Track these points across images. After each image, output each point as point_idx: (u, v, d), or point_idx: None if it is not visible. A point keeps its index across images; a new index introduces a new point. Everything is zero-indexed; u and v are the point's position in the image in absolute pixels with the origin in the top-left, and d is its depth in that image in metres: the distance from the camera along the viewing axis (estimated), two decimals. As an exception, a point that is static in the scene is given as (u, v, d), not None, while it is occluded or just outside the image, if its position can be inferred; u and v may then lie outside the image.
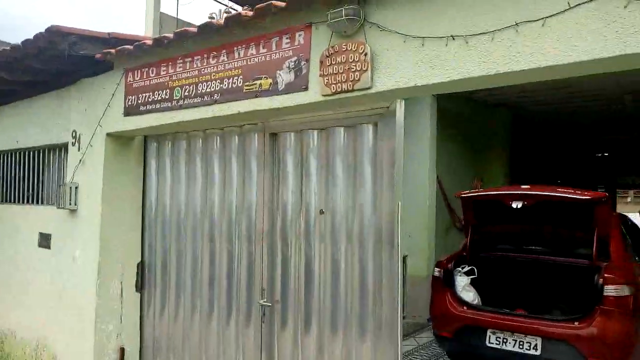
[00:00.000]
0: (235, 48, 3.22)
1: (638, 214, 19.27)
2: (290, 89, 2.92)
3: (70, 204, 4.33)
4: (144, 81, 3.79)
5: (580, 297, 4.93)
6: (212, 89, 3.35)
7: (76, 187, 4.33)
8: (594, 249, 4.95)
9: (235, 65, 3.22)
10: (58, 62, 4.11)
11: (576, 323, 4.54)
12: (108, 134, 4.12)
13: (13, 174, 5.58)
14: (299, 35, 2.89)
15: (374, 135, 3.07)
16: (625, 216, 6.69)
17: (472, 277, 5.37)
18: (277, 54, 3.00)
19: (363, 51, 2.58)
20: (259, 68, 3.09)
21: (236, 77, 3.21)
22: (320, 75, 2.76)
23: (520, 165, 11.89)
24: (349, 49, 2.63)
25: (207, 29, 3.25)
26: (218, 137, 3.91)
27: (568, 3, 1.97)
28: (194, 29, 3.32)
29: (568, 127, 12.95)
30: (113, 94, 4.02)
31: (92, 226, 4.19)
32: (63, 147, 4.74)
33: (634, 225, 6.72)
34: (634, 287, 4.65)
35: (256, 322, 3.56)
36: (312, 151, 3.36)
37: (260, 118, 3.43)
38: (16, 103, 5.39)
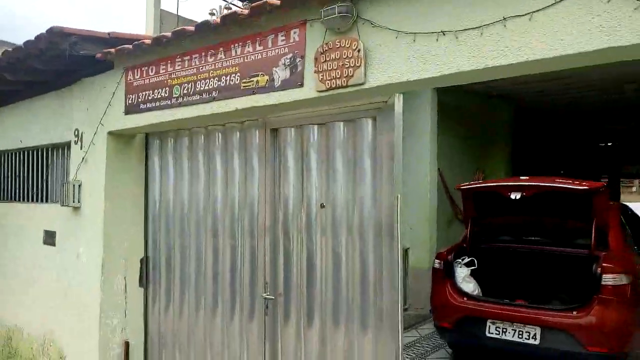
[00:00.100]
0: (232, 46, 3.27)
1: (642, 204, 19.26)
2: (286, 85, 2.97)
3: (73, 202, 4.40)
4: (144, 80, 3.84)
5: (580, 286, 4.97)
6: (211, 87, 3.40)
7: (79, 185, 4.40)
8: (593, 238, 4.99)
9: (233, 63, 3.27)
10: (59, 62, 4.17)
11: (574, 312, 4.59)
12: (109, 132, 4.18)
13: (18, 173, 5.66)
14: (294, 33, 2.94)
15: (373, 129, 3.10)
16: (626, 206, 6.72)
17: (472, 268, 5.42)
18: (273, 51, 3.05)
19: (356, 47, 2.62)
20: (256, 65, 3.14)
21: (234, 75, 3.27)
22: (315, 72, 2.81)
23: (522, 156, 11.90)
24: (343, 45, 2.68)
25: (204, 27, 3.30)
26: (220, 134, 3.96)
27: (554, -3, 2.01)
28: (192, 28, 3.37)
29: (570, 118, 12.93)
30: (114, 93, 4.08)
31: (96, 223, 4.26)
32: (66, 146, 4.81)
33: (634, 215, 6.75)
34: (632, 276, 4.69)
35: (259, 315, 3.62)
36: (313, 146, 3.39)
37: (257, 114, 3.48)
38: (19, 103, 5.47)
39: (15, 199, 5.71)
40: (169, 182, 4.31)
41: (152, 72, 3.79)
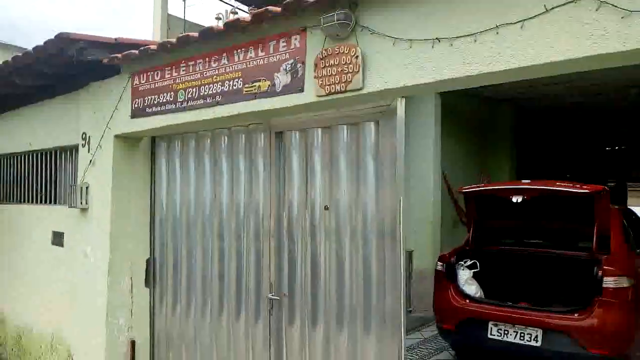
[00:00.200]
0: (235, 52, 3.35)
1: (649, 207, 19.14)
2: (287, 90, 3.04)
3: (81, 203, 4.49)
4: (150, 84, 3.93)
5: (581, 289, 5.00)
6: (214, 91, 3.48)
7: (87, 187, 4.49)
8: (594, 241, 5.03)
9: (236, 68, 3.34)
10: (67, 67, 4.27)
11: (576, 314, 4.63)
12: (116, 136, 4.26)
13: (27, 176, 5.77)
14: (295, 39, 3.01)
15: (376, 133, 3.13)
16: (630, 210, 6.74)
17: (474, 270, 5.47)
18: (275, 57, 3.13)
19: (355, 54, 2.69)
20: (258, 71, 3.21)
21: (236, 80, 3.34)
22: (315, 77, 2.87)
23: (527, 160, 11.92)
24: (342, 51, 2.74)
25: (208, 34, 3.38)
26: (225, 137, 4.02)
27: (545, 6, 2.07)
28: (196, 34, 3.45)
29: (576, 121, 12.93)
30: (120, 97, 4.17)
31: (103, 224, 4.34)
32: (74, 149, 4.91)
33: (638, 219, 6.76)
34: (633, 279, 4.72)
35: (265, 315, 3.67)
36: (317, 149, 3.44)
37: (260, 118, 3.55)
38: (28, 107, 5.58)
39: (24, 201, 5.82)
40: (176, 185, 4.37)
41: (157, 76, 3.88)
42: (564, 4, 2.02)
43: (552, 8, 2.06)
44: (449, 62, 2.35)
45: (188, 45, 3.56)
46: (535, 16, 2.10)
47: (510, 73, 2.22)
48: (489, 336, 4.95)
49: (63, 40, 3.89)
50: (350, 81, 2.71)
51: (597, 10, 1.94)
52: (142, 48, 3.79)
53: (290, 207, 3.56)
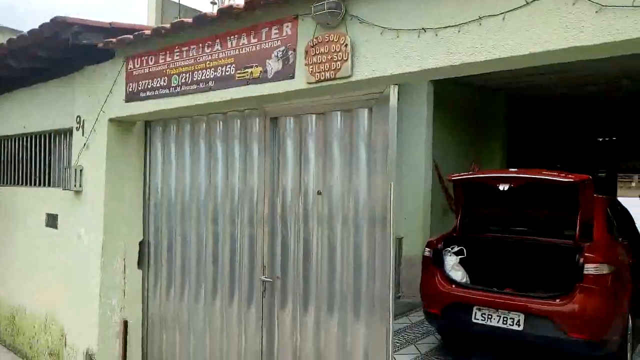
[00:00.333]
0: (228, 38, 3.42)
1: (639, 198, 19.41)
2: (278, 77, 3.12)
3: (75, 186, 4.56)
4: (144, 69, 3.99)
5: (564, 276, 5.13)
6: (207, 77, 3.54)
7: (81, 170, 4.56)
8: (577, 229, 5.15)
9: (228, 55, 3.41)
10: (62, 51, 4.31)
11: (557, 300, 4.76)
12: (110, 119, 4.32)
13: (21, 158, 5.83)
14: (287, 27, 3.08)
15: (369, 120, 3.19)
16: (615, 200, 6.88)
17: (461, 257, 5.59)
18: (267, 44, 3.19)
19: (344, 42, 2.76)
20: (250, 57, 3.28)
21: (229, 66, 3.41)
22: (306, 64, 2.95)
23: (518, 149, 12.04)
24: (332, 40, 2.82)
25: (201, 20, 3.44)
26: (221, 122, 4.07)
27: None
28: (190, 20, 3.51)
29: (567, 112, 13.04)
30: (115, 81, 4.22)
31: (97, 206, 4.42)
32: (68, 132, 4.97)
33: (623, 208, 6.91)
34: (614, 266, 4.85)
35: (258, 296, 3.74)
36: (311, 135, 3.49)
37: (252, 104, 3.62)
38: (22, 90, 5.62)
39: (18, 183, 5.88)
40: (171, 169, 4.43)
41: (151, 61, 3.93)
42: (543, -3, 2.10)
43: (533, 1, 2.14)
44: (433, 51, 2.43)
45: (182, 31, 3.62)
46: (516, 8, 2.18)
47: (492, 63, 2.31)
48: (474, 320, 5.09)
49: (58, 24, 3.93)
50: (340, 69, 2.79)
51: (574, 4, 2.03)
52: (136, 33, 3.85)
53: (284, 193, 3.63)
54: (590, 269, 4.68)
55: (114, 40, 3.97)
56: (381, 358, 3.08)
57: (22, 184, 5.82)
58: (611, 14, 1.94)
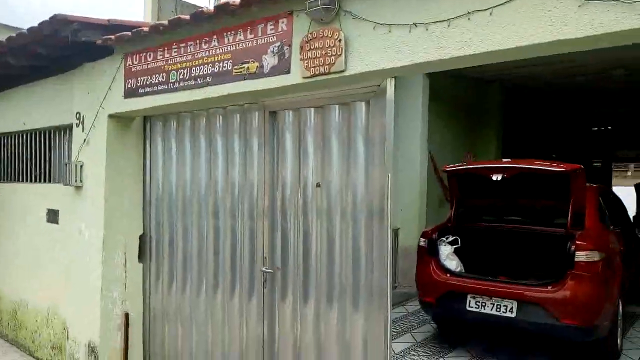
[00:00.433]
0: (225, 34, 3.49)
1: (634, 187, 19.55)
2: (274, 71, 3.20)
3: (76, 181, 4.63)
4: (142, 65, 4.06)
5: (556, 263, 5.24)
6: (205, 72, 3.62)
7: (81, 166, 4.63)
8: (569, 218, 5.25)
9: (225, 50, 3.49)
10: (61, 48, 4.37)
11: (549, 287, 4.87)
12: (110, 115, 4.39)
13: (21, 155, 5.89)
14: (282, 23, 3.16)
15: (366, 113, 3.25)
16: (606, 188, 6.99)
17: (455, 246, 5.70)
18: (263, 40, 3.27)
19: (338, 37, 2.84)
20: (247, 53, 3.36)
21: (226, 61, 3.49)
22: (301, 59, 3.03)
23: (514, 140, 12.15)
24: (326, 35, 2.90)
25: (199, 17, 3.51)
26: (220, 116, 4.12)
27: (512, -6, 2.24)
28: (187, 17, 3.58)
29: (562, 102, 13.13)
30: (114, 78, 4.29)
31: (97, 201, 4.49)
32: (68, 128, 5.04)
33: (615, 197, 7.03)
34: (604, 253, 4.96)
35: (259, 287, 3.81)
36: (309, 129, 3.55)
37: (250, 98, 3.68)
38: (22, 87, 5.67)
39: (19, 180, 5.94)
40: (171, 164, 4.49)
41: (150, 57, 4.00)
42: (528, -7, 2.19)
43: (519, -4, 2.22)
44: (424, 46, 2.52)
45: (180, 27, 3.69)
46: (503, 3, 2.27)
47: (480, 57, 2.39)
48: (468, 308, 5.19)
49: (58, 22, 3.99)
50: (334, 63, 2.87)
51: (558, -1, 2.12)
52: (134, 30, 3.91)
53: (284, 186, 3.68)
54: (581, 256, 4.78)
55: (112, 37, 4.04)
56: (380, 347, 3.15)
57: (22, 180, 5.89)
58: (593, 8, 2.03)
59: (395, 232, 7.89)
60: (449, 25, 2.43)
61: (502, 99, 11.23)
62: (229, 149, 4.06)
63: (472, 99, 10.69)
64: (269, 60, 3.23)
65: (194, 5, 8.27)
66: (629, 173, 35.55)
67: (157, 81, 3.95)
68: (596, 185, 6.13)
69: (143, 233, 4.65)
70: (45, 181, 5.54)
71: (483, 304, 5.12)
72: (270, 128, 3.75)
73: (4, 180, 6.24)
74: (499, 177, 5.33)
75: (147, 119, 4.63)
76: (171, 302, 4.49)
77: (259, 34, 3.29)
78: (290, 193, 3.65)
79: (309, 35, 2.98)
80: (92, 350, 4.47)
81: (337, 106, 3.40)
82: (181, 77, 3.78)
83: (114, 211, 4.49)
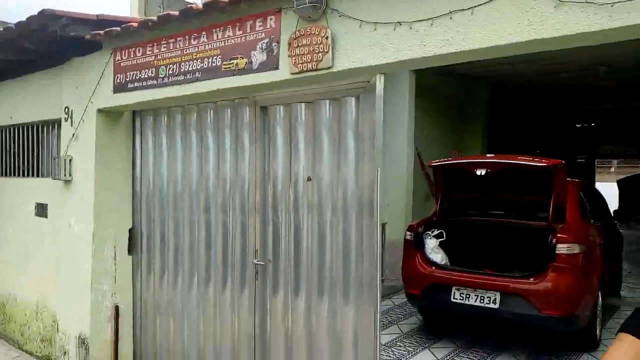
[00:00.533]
0: (213, 30, 3.54)
1: (616, 183, 19.90)
2: (263, 67, 3.26)
3: (65, 175, 4.65)
4: (131, 60, 4.09)
5: (538, 256, 5.38)
6: (194, 68, 3.67)
7: (70, 160, 4.66)
8: (551, 212, 5.39)
9: (214, 46, 3.54)
10: (50, 43, 4.38)
11: (531, 279, 5.00)
12: (99, 110, 4.42)
13: (9, 149, 5.89)
14: (270, 20, 3.22)
15: (356, 108, 3.30)
16: (588, 183, 7.15)
17: (440, 240, 5.81)
18: (252, 36, 3.33)
19: (325, 35, 2.91)
20: (236, 49, 3.41)
21: (215, 57, 3.54)
22: (289, 56, 3.09)
23: (499, 136, 12.31)
24: (313, 32, 2.97)
25: (188, 13, 3.56)
26: (211, 111, 4.14)
27: (492, -6, 2.32)
28: (176, 13, 3.62)
29: (547, 98, 13.33)
30: (102, 73, 4.32)
31: (86, 195, 4.53)
32: (56, 123, 5.05)
33: (596, 192, 7.20)
34: (585, 246, 5.11)
35: (250, 279, 3.84)
36: (300, 124, 3.59)
37: (240, 93, 3.74)
38: (9, 81, 5.66)
39: (7, 174, 5.94)
40: (162, 159, 4.50)
41: (139, 53, 4.04)
42: (508, -7, 2.27)
43: (499, -4, 2.31)
44: (408, 44, 2.60)
45: (169, 23, 3.73)
46: (483, 3, 2.35)
47: (462, 55, 2.48)
48: (452, 300, 5.32)
49: (46, 17, 4.01)
50: (321, 60, 2.94)
51: None
52: (123, 25, 3.95)
53: (275, 182, 3.72)
54: (562, 248, 4.92)
55: (101, 32, 4.07)
56: (369, 337, 3.21)
57: (10, 175, 5.88)
58: (567, 8, 2.12)
59: (383, 227, 7.99)
60: (432, 24, 2.51)
61: (488, 95, 11.38)
62: (220, 144, 4.08)
63: (458, 96, 10.82)
64: (258, 57, 3.29)
65: (182, 1, 8.27)
66: (612, 169, 36.13)
67: (146, 76, 3.99)
68: (577, 180, 6.27)
69: (133, 227, 4.69)
70: (34, 175, 5.55)
71: (467, 296, 5.24)
72: (261, 123, 3.79)
73: (-9, 174, 6.23)
74: (483, 172, 5.45)
75: (137, 113, 4.67)
76: (162, 295, 4.53)
77: (248, 31, 3.35)
78: (282, 188, 3.69)
79: (297, 32, 3.05)
80: (82, 342, 4.51)
81: (327, 101, 3.44)
82: (170, 72, 3.82)
83: (103, 205, 4.53)
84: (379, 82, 3.08)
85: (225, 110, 4.04)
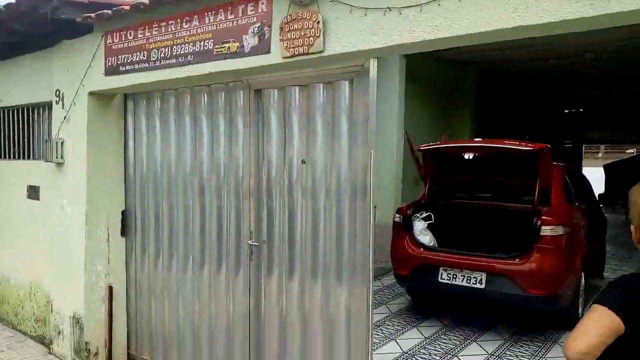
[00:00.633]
0: (206, 14, 3.57)
1: (602, 168, 20.19)
2: (255, 51, 3.30)
3: (57, 158, 4.68)
4: (123, 43, 4.11)
5: (524, 237, 5.52)
6: (186, 51, 3.70)
7: (62, 142, 4.68)
8: (536, 195, 5.51)
9: (206, 30, 3.57)
10: (40, 25, 4.38)
11: (516, 260, 5.15)
12: (90, 93, 4.43)
13: (0, 131, 5.87)
14: (262, 4, 3.25)
15: (350, 92, 3.34)
16: (573, 167, 7.30)
17: (429, 222, 5.93)
18: (243, 20, 3.36)
19: (316, 19, 2.96)
20: (228, 32, 3.44)
21: (207, 41, 3.57)
22: (281, 40, 3.14)
23: (487, 121, 12.44)
24: (305, 17, 3.01)
25: (179, -4, 3.58)
26: (205, 94, 4.14)
27: (479, -19, 2.38)
28: (168, -4, 3.64)
29: (535, 84, 13.45)
30: (94, 55, 4.33)
31: (79, 178, 4.56)
32: (47, 105, 5.05)
33: (581, 176, 7.35)
34: (569, 228, 5.25)
35: (245, 261, 3.88)
36: (294, 108, 3.61)
37: (232, 77, 3.76)
38: (-2, 63, 5.64)
39: (-3, 157, 5.94)
40: (155, 142, 4.50)
41: (130, 36, 4.05)
42: (494, -20, 2.34)
43: (485, -16, 2.37)
44: (398, 29, 2.65)
45: (161, 6, 3.75)
46: (471, -10, 2.41)
47: (449, 40, 2.54)
48: (440, 280, 5.45)
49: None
50: (312, 44, 2.99)
51: (520, -13, 2.27)
52: (115, 8, 3.96)
53: (269, 165, 3.74)
54: (546, 230, 5.06)
55: (92, 15, 4.07)
56: (362, 317, 3.28)
57: (2, 157, 5.88)
58: (551, -4, 2.19)
59: (373, 210, 8.09)
60: (421, 10, 2.57)
61: (478, 80, 11.46)
62: (214, 127, 4.09)
63: (448, 81, 10.89)
64: (250, 41, 3.33)
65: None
66: (600, 154, 36.55)
67: (138, 59, 4.01)
68: (563, 164, 6.41)
69: (125, 209, 4.74)
70: (25, 158, 5.56)
71: (454, 276, 5.38)
72: (255, 106, 3.79)
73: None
74: (471, 156, 5.55)
75: (130, 96, 4.68)
76: (157, 276, 4.57)
77: (240, 15, 3.38)
78: (276, 171, 3.72)
79: (289, 17, 3.09)
80: (77, 321, 4.59)
81: (321, 85, 3.46)
82: (162, 55, 3.85)
83: (96, 188, 4.56)
84: (373, 66, 3.11)
85: (219, 93, 4.05)
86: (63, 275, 4.77)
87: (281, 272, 3.73)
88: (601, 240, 7.47)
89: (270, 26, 3.21)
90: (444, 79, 10.74)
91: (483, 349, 5.11)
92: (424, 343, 5.24)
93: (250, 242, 3.85)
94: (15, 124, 5.61)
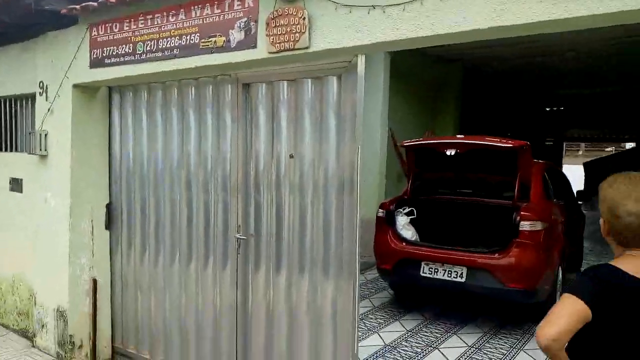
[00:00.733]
0: (192, 8, 3.59)
1: (582, 166, 20.54)
2: (241, 46, 3.34)
3: (40, 150, 4.66)
4: (108, 36, 4.10)
5: (503, 233, 5.64)
6: (172, 45, 3.71)
7: (45, 135, 4.66)
8: (516, 191, 5.64)
9: (193, 24, 3.59)
10: (24, 16, 4.35)
11: (496, 254, 5.26)
12: (74, 85, 4.41)
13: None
14: (248, -1, 3.29)
15: (338, 87, 3.36)
16: (552, 165, 7.45)
17: (411, 217, 6.02)
18: (230, 15, 3.39)
19: (302, 15, 3.01)
20: (214, 27, 3.47)
21: (193, 35, 3.59)
22: (267, 35, 3.18)
23: (471, 118, 12.59)
24: (291, 13, 3.06)
25: (166, -11, 3.59)
26: (193, 88, 4.12)
27: (460, -19, 2.45)
28: (154, -11, 3.65)
29: (518, 82, 13.64)
30: (78, 47, 4.32)
31: (63, 170, 4.54)
32: (30, 97, 5.02)
33: (560, 173, 7.51)
34: (547, 224, 5.38)
35: (232, 254, 3.89)
36: (282, 102, 3.62)
37: (218, 71, 3.78)
38: (-19, 54, 5.58)
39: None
40: (142, 135, 4.49)
41: (116, 28, 4.05)
42: (474, -19, 2.41)
43: (466, -16, 2.44)
44: (382, 27, 2.71)
45: (147, -1, 3.76)
46: (452, -10, 2.48)
47: (432, 39, 2.61)
48: (421, 274, 5.55)
49: (22, -10, 3.99)
50: (298, 40, 3.04)
51: (499, -13, 2.34)
52: (100, 0, 3.95)
53: (257, 160, 3.76)
54: (525, 225, 5.18)
55: (77, 7, 4.06)
56: (348, 311, 3.32)
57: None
58: (528, -1, 2.27)
59: (356, 205, 8.17)
60: (404, 9, 2.63)
61: (463, 78, 11.60)
62: (202, 121, 4.08)
63: (433, 77, 11.00)
64: (236, 35, 3.36)
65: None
66: (580, 152, 37.16)
67: (123, 52, 4.01)
68: (542, 161, 6.54)
69: (110, 202, 4.74)
70: (9, 150, 5.51)
71: (436, 270, 5.48)
72: (243, 100, 3.79)
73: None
74: (453, 152, 5.65)
75: (116, 89, 4.66)
76: (143, 270, 4.56)
77: (226, 9, 3.41)
78: (264, 166, 3.73)
79: (275, 12, 3.13)
80: (61, 314, 4.59)
81: (309, 80, 3.47)
82: (148, 48, 3.86)
83: (80, 180, 4.55)
84: (361, 62, 3.12)
85: (206, 87, 4.04)
86: (47, 268, 4.76)
87: (268, 266, 3.75)
88: (579, 236, 7.65)
89: (256, 21, 3.24)
90: (429, 76, 10.84)
91: (463, 341, 5.22)
92: (406, 336, 5.33)
93: (237, 235, 3.86)
94: (-2, 115, 5.56)
